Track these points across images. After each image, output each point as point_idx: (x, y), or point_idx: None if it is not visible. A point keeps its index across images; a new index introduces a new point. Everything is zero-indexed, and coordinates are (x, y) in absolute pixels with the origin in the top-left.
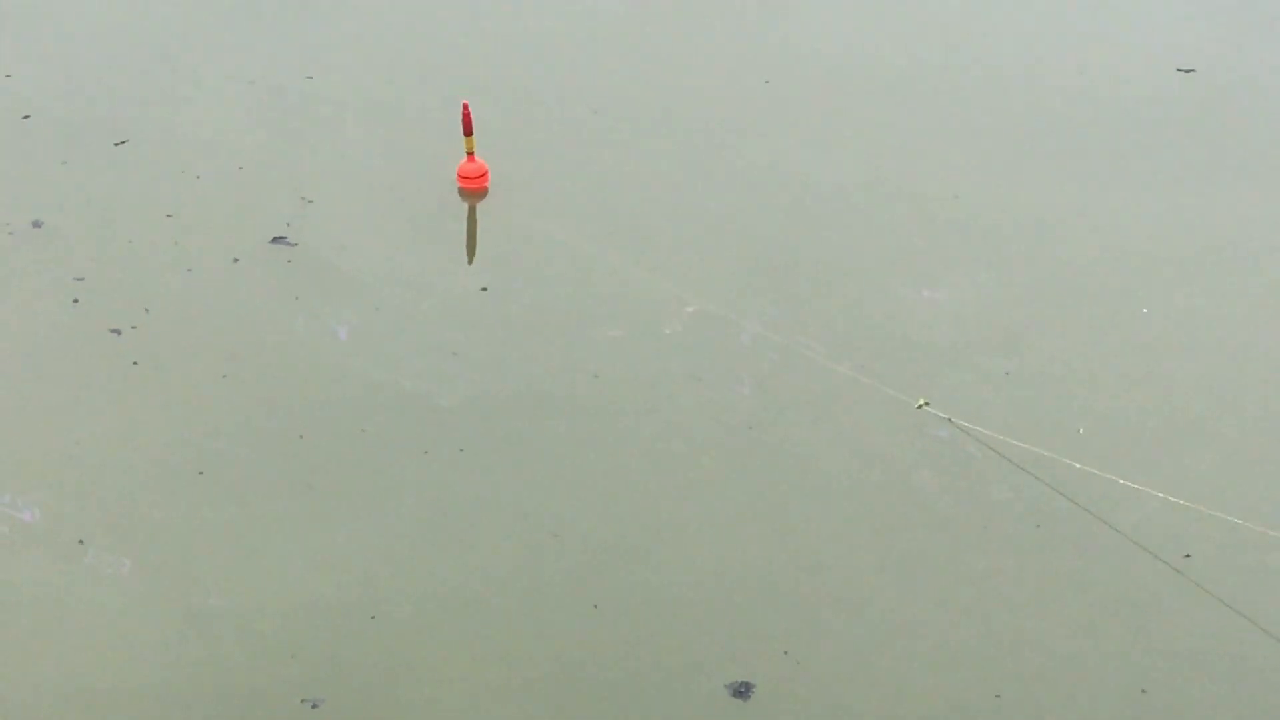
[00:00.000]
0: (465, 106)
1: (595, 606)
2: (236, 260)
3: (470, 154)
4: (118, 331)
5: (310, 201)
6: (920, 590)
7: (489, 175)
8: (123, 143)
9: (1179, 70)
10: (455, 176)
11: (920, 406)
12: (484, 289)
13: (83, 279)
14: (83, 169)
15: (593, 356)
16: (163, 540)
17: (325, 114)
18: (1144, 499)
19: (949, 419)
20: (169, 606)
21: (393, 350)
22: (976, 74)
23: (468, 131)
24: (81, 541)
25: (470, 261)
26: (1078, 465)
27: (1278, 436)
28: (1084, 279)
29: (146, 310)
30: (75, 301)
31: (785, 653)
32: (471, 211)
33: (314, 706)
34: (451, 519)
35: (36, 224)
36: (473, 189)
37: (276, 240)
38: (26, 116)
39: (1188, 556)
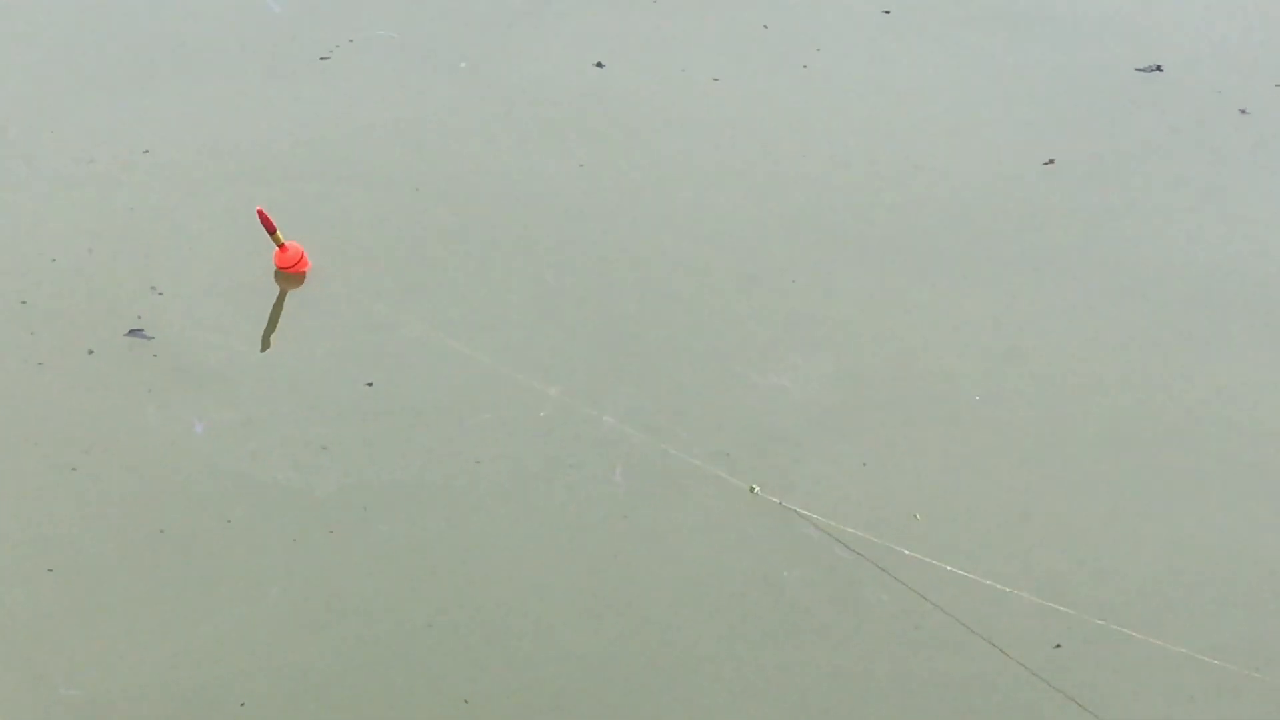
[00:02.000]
0: (260, 213)
1: (466, 701)
2: (91, 352)
3: (281, 245)
4: None
5: (160, 293)
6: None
7: (305, 257)
8: None
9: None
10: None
11: (752, 491)
12: (370, 384)
13: None
14: None
15: (469, 444)
16: (8, 632)
17: (166, 196)
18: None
19: (780, 503)
20: (22, 695)
21: (257, 444)
22: (806, 158)
23: (271, 231)
24: None
25: (325, 353)
26: (907, 552)
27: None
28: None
29: None
30: None
31: None
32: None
33: None
34: (321, 607)
35: None
36: (293, 272)
37: (133, 333)
38: None
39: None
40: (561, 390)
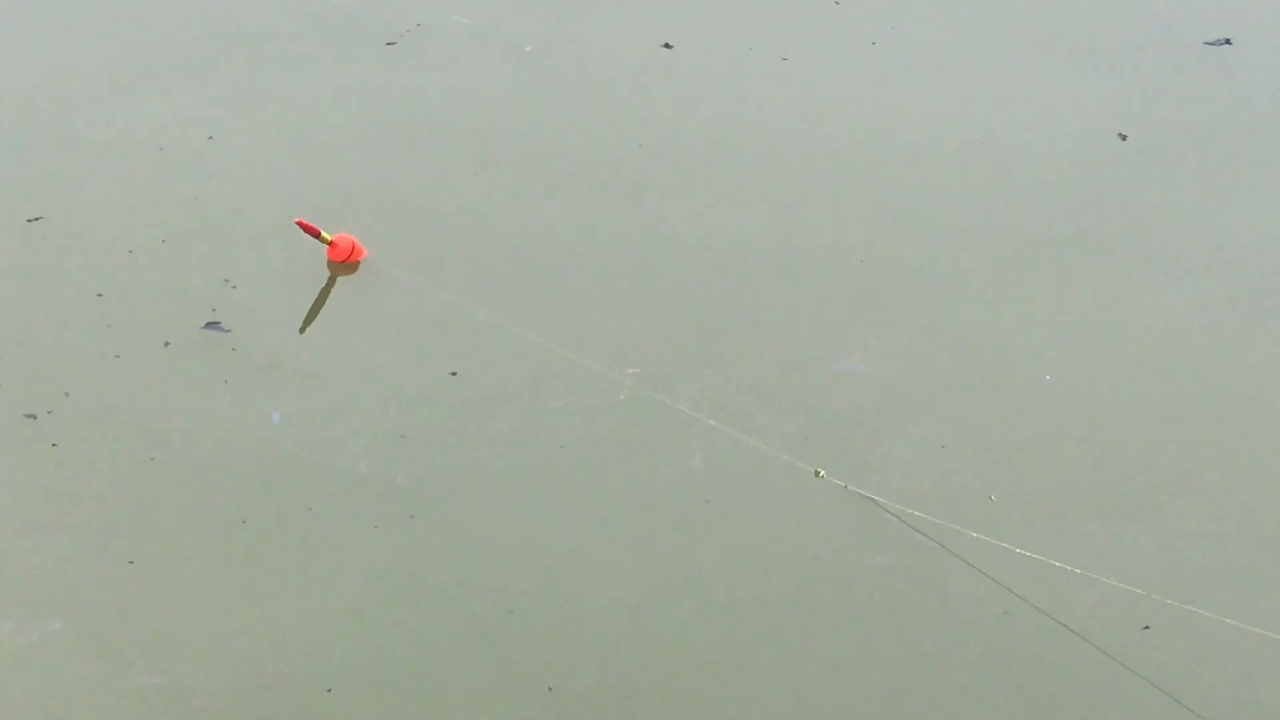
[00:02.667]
0: (299, 224)
1: (550, 689)
2: (168, 344)
3: (330, 243)
4: (33, 416)
5: (234, 287)
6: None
7: (357, 246)
8: (37, 219)
9: (1120, 135)
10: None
11: (817, 475)
12: (454, 373)
13: None
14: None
15: (549, 430)
16: (91, 619)
17: (234, 185)
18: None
19: (845, 486)
20: (103, 685)
21: (335, 433)
22: (875, 136)
23: (315, 235)
24: None
25: (401, 343)
26: (983, 536)
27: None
28: (986, 344)
29: (66, 394)
30: None
31: None
32: (382, 290)
33: None
34: (404, 594)
35: None
36: (349, 263)
37: (210, 326)
38: None
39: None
40: (636, 375)
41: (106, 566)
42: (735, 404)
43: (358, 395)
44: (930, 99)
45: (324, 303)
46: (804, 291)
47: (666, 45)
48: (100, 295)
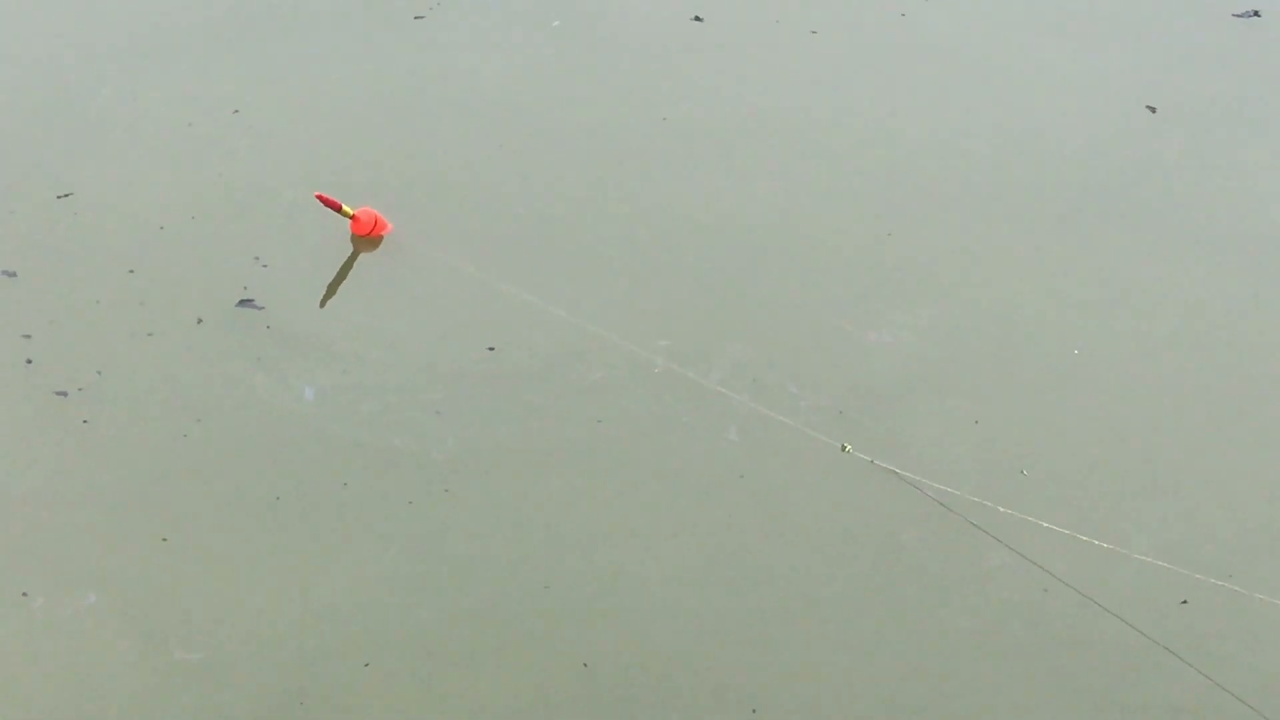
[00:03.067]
0: (319, 197)
1: (585, 665)
2: (200, 321)
3: (351, 216)
4: (64, 393)
5: (265, 265)
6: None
7: (381, 220)
8: (67, 195)
9: (1149, 108)
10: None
11: (844, 450)
12: (491, 348)
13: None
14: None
15: (586, 403)
16: (125, 591)
17: (261, 160)
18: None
19: (872, 461)
20: (139, 660)
21: (369, 409)
22: (902, 109)
23: (336, 209)
24: (25, 594)
25: (434, 319)
26: (1016, 513)
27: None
28: (1014, 318)
29: (98, 372)
30: (29, 362)
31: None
32: (410, 267)
33: None
34: (439, 569)
35: (9, 273)
36: (372, 236)
37: (243, 304)
38: None
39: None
40: (669, 349)
41: (140, 542)
42: (767, 379)
43: (391, 371)
44: (959, 72)
45: (355, 279)
46: (833, 266)
47: (697, 18)
48: (132, 272)
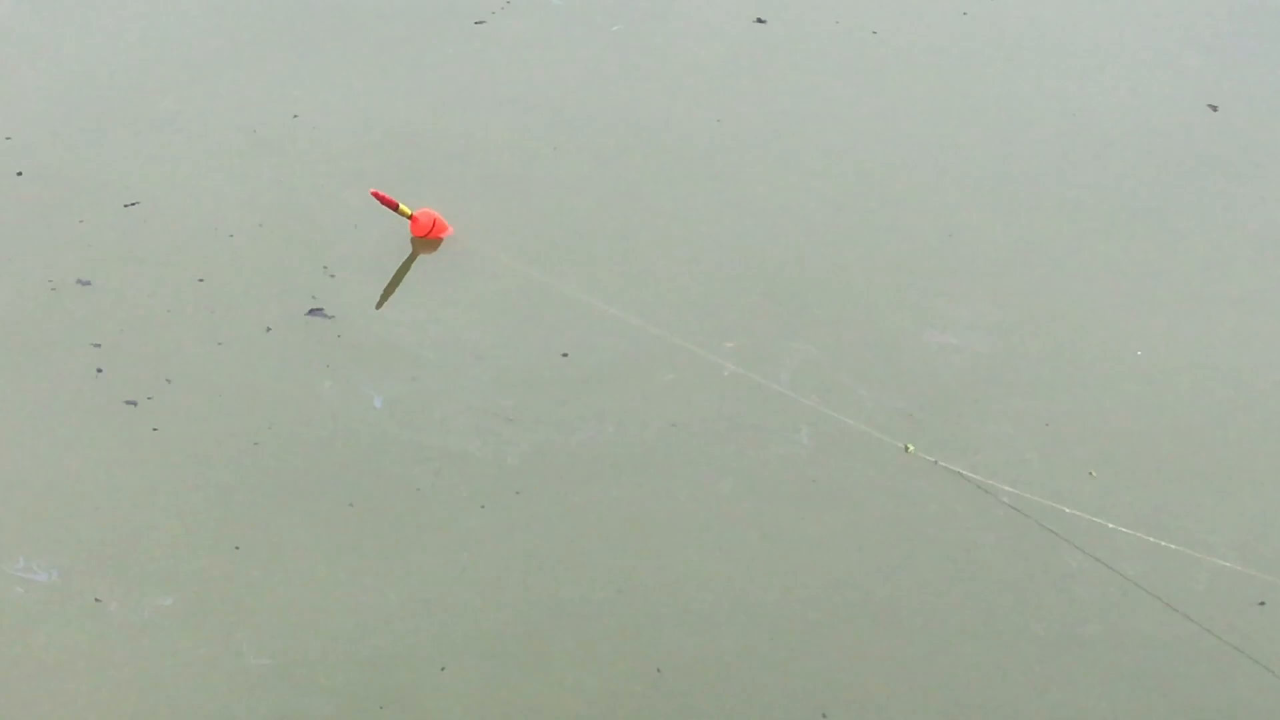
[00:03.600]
0: (375, 195)
1: (659, 670)
2: (270, 329)
3: (410, 216)
4: (133, 403)
5: (333, 275)
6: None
7: (440, 221)
8: (134, 204)
9: (1210, 106)
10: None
11: (906, 450)
12: (565, 355)
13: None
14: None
15: (658, 407)
16: (198, 598)
17: (325, 165)
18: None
19: (935, 461)
20: (213, 666)
21: (440, 415)
22: (964, 107)
23: (393, 207)
24: (98, 600)
25: (504, 324)
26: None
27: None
28: (1075, 318)
29: (168, 380)
30: (99, 371)
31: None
32: (477, 272)
33: None
34: (513, 573)
35: (84, 282)
36: (431, 238)
37: (313, 313)
38: (20, 173)
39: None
40: (736, 351)
41: (213, 549)
42: (835, 380)
43: (462, 377)
44: (1021, 70)
45: (421, 285)
46: (895, 265)
47: (759, 20)
48: (201, 280)
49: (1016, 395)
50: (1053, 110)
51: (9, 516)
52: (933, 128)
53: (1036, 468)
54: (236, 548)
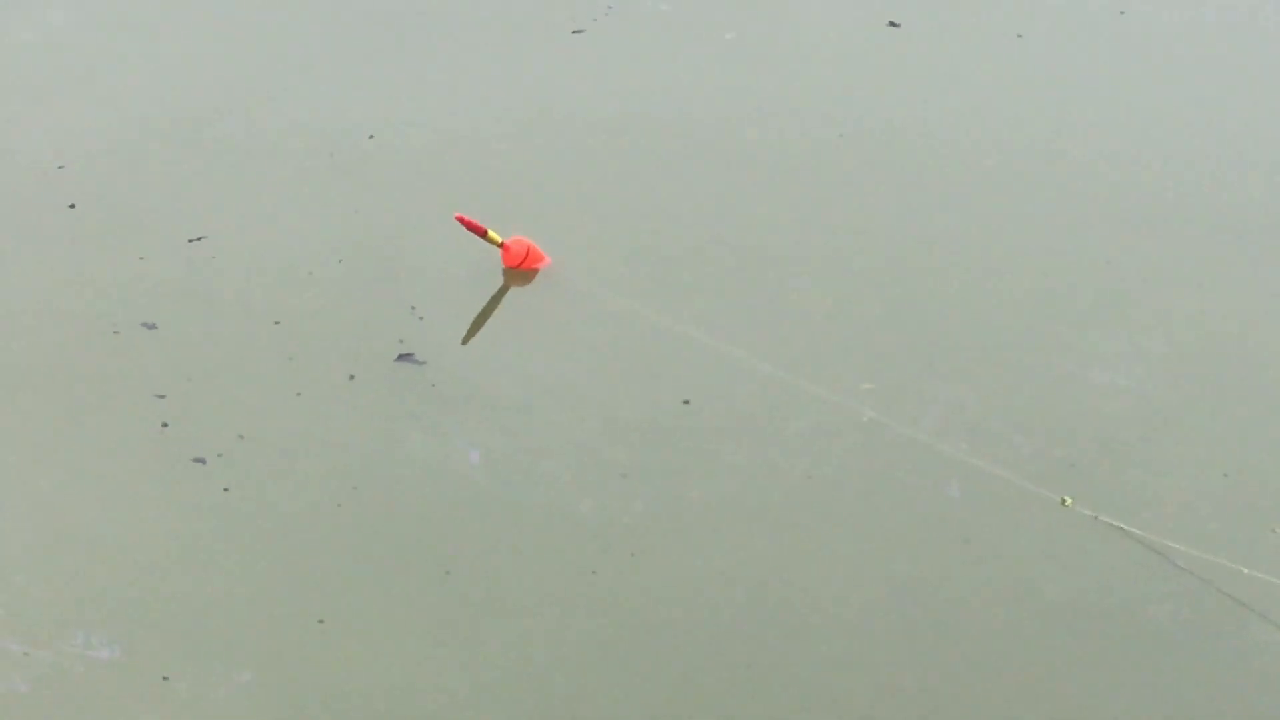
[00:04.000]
0: (460, 220)
1: None
2: (353, 378)
3: (501, 245)
4: (201, 460)
5: (421, 318)
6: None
7: (534, 250)
8: (199, 239)
9: None
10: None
11: (1064, 503)
12: (686, 401)
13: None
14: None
15: (788, 458)
16: (278, 675)
17: (409, 193)
18: None
19: (1096, 516)
20: None
21: (541, 470)
22: (1117, 122)
23: (481, 234)
24: (166, 678)
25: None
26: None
27: None
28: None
29: (240, 436)
30: (164, 426)
31: None
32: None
33: None
34: (627, 641)
35: (149, 325)
36: (524, 269)
37: (403, 358)
38: (72, 206)
39: None
40: (875, 394)
41: (293, 621)
42: (986, 426)
43: (567, 427)
44: (1183, 79)
45: (518, 325)
46: (1045, 296)
47: (892, 24)
48: (278, 324)
49: (1190, 441)
50: (1216, 123)
51: (67, 587)
52: (1085, 141)
53: (1214, 525)
54: (320, 621)
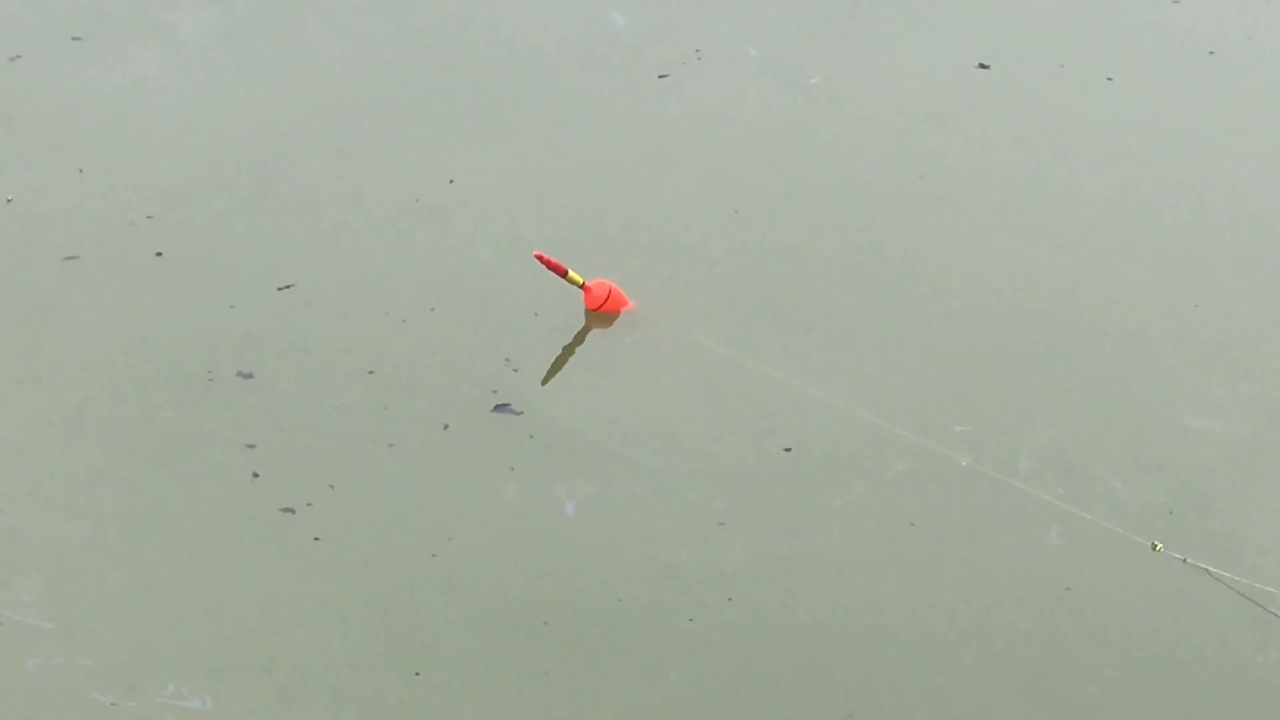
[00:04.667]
0: (539, 258)
1: None
2: (447, 427)
3: (583, 286)
4: (290, 510)
5: (516, 370)
6: None
7: (616, 293)
8: (288, 287)
9: None
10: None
11: (1155, 549)
12: (788, 449)
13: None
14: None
15: (888, 504)
16: None
17: (497, 237)
18: None
19: (1184, 560)
20: None
21: (640, 520)
22: (1210, 162)
23: (562, 274)
24: None
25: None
26: None
27: None
28: None
29: (331, 486)
30: (255, 476)
31: None
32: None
33: None
34: (729, 694)
35: (245, 375)
36: (606, 311)
37: (499, 409)
38: (159, 254)
39: None
40: (970, 438)
41: (389, 675)
42: (1084, 470)
43: (664, 475)
44: (1275, 120)
45: (609, 371)
46: (1138, 339)
47: (982, 65)
48: (372, 373)
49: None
50: None
51: (156, 637)
52: (1174, 182)
53: None
54: (416, 674)
